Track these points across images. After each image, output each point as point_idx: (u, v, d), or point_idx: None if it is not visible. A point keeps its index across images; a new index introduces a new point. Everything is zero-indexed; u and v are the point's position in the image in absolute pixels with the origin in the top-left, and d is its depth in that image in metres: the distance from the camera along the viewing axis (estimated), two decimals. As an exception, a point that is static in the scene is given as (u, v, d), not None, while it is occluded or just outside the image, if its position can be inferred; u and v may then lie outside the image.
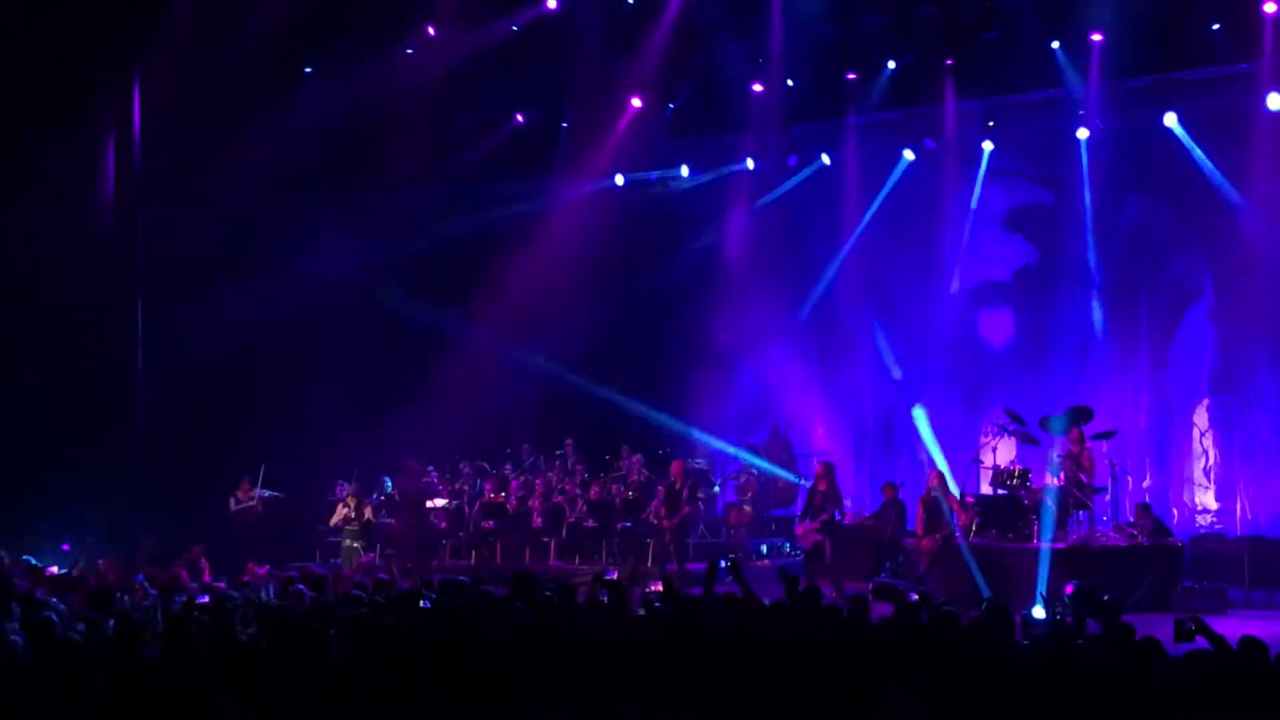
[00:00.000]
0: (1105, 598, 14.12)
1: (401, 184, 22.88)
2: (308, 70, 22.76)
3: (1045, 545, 16.93)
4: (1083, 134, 21.49)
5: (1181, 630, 9.32)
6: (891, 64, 21.69)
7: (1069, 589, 16.23)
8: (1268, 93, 19.64)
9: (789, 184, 24.14)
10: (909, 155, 22.97)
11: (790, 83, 22.45)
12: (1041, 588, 15.60)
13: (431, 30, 22.28)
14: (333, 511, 21.72)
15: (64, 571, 15.63)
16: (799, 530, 19.03)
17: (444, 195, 23.77)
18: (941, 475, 18.83)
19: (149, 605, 10.41)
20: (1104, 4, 19.57)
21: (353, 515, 21.00)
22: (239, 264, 21.58)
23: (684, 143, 24.25)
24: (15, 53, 19.68)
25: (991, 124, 22.09)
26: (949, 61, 21.19)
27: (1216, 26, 19.29)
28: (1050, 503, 17.40)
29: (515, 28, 22.11)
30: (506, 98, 23.88)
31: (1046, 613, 12.07)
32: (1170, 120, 20.70)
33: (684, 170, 24.61)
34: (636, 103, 23.46)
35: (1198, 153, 20.63)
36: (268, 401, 21.67)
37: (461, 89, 22.72)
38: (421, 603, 11.16)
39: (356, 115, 22.18)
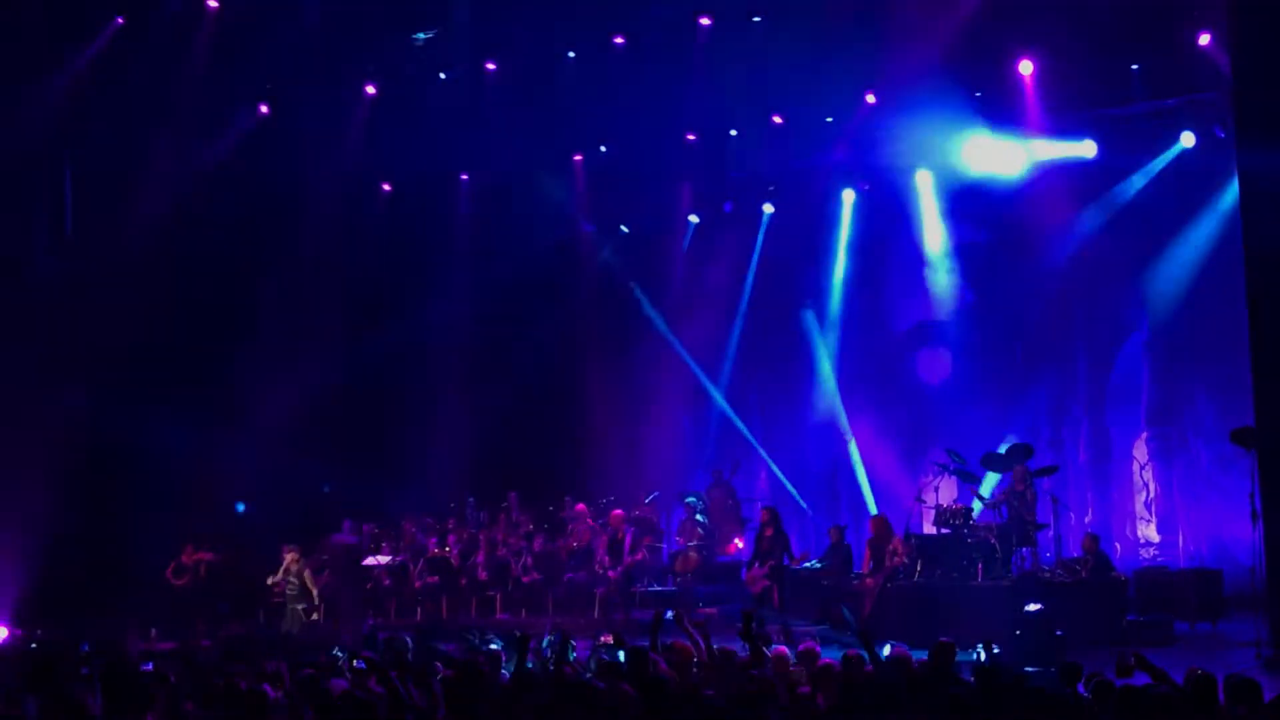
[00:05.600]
0: (1059, 634, 14.25)
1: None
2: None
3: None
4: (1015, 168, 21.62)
5: (1123, 665, 9.33)
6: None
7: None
8: (1188, 127, 19.93)
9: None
10: (849, 195, 23.11)
11: (734, 132, 22.75)
12: None
13: None
14: (275, 571, 21.39)
15: None
16: (747, 576, 18.96)
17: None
18: (883, 518, 18.86)
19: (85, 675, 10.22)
20: (1033, 37, 19.74)
21: (294, 578, 20.73)
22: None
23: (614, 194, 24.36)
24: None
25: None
26: (873, 100, 21.31)
27: (1135, 68, 19.53)
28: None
29: None
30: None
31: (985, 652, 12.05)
32: (1091, 152, 20.88)
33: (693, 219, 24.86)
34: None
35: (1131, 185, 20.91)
36: (205, 459, 21.50)
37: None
38: (355, 662, 11.03)
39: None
